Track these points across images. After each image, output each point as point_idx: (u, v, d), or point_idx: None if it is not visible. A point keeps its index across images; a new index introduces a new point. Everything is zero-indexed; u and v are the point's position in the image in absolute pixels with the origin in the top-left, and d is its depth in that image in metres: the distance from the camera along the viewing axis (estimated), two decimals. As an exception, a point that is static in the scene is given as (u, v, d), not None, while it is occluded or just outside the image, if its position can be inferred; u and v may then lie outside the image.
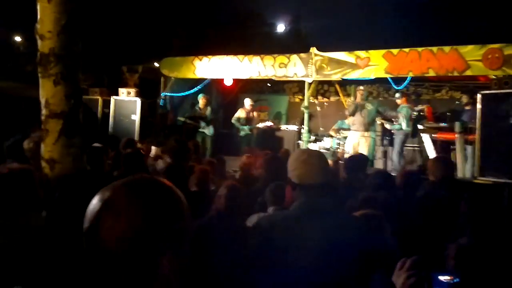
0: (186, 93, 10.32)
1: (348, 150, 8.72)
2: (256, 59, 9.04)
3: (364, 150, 8.36)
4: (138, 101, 9.31)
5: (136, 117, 9.27)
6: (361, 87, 8.93)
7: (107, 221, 0.86)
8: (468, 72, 7.29)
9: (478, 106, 6.99)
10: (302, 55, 8.68)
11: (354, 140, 8.68)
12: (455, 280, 1.40)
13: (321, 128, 9.91)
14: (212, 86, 11.09)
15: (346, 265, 1.90)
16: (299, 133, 10.10)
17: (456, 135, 7.89)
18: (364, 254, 1.95)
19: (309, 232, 1.95)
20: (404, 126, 8.45)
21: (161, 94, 10.19)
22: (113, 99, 9.44)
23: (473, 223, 2.03)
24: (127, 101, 9.39)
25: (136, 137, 9.00)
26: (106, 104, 9.50)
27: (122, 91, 9.46)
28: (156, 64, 10.23)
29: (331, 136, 9.75)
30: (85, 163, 2.72)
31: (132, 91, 9.41)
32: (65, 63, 2.62)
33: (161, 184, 0.94)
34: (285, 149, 8.17)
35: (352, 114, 8.65)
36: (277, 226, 2.05)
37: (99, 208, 0.88)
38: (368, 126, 8.59)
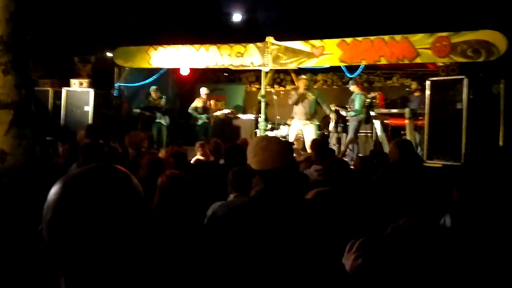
0: (141, 83, 10.16)
1: (291, 138, 8.89)
2: (212, 48, 9.00)
3: (308, 137, 8.49)
4: (91, 92, 9.08)
5: (89, 109, 9.04)
6: (304, 77, 9.07)
7: (72, 209, 0.84)
8: (418, 60, 7.53)
9: (427, 92, 7.27)
10: (259, 44, 8.72)
11: (298, 128, 8.85)
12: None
13: (277, 117, 10.03)
14: (168, 76, 10.98)
15: (304, 251, 1.91)
16: (256, 122, 10.18)
17: (406, 121, 8.17)
18: (322, 238, 1.98)
19: (270, 218, 1.94)
20: (358, 112, 8.70)
21: (115, 85, 9.98)
22: (64, 90, 9.16)
23: (412, 204, 2.12)
24: (80, 92, 9.14)
25: (90, 129, 8.81)
26: (58, 95, 9.22)
27: (74, 82, 9.19)
28: (109, 54, 9.99)
29: (288, 125, 9.88)
30: (37, 155, 2.65)
31: (85, 81, 9.16)
32: (14, 52, 2.54)
33: (121, 171, 0.94)
34: (243, 138, 8.24)
35: (295, 103, 8.80)
36: (235, 212, 2.01)
37: (64, 196, 0.86)
38: (310, 115, 8.77)
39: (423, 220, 2.05)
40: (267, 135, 8.06)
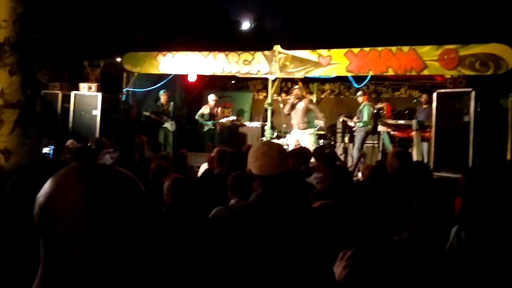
0: (149, 88, 10.23)
1: (291, 147, 8.62)
2: (220, 55, 9.05)
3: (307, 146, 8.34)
4: (100, 96, 9.15)
5: (98, 113, 9.11)
6: (296, 86, 8.97)
7: (57, 202, 0.82)
8: (425, 72, 7.52)
9: (434, 104, 7.25)
10: (266, 52, 8.75)
11: (296, 137, 8.69)
12: None
13: (284, 125, 10.01)
14: (176, 82, 11.04)
15: (303, 256, 1.91)
16: (262, 130, 10.18)
17: (413, 133, 8.14)
18: (322, 245, 1.97)
19: (267, 223, 1.95)
20: (366, 123, 8.65)
21: (124, 90, 10.05)
22: (73, 93, 9.25)
23: (420, 216, 2.11)
24: (88, 96, 9.22)
25: (97, 133, 8.87)
26: (66, 99, 9.30)
27: (83, 85, 9.28)
28: (118, 59, 10.07)
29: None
30: (41, 154, 2.68)
31: (94, 86, 9.24)
32: (21, 53, 2.58)
33: (116, 171, 0.92)
34: (248, 145, 8.21)
35: (288, 113, 8.73)
36: (234, 216, 2.03)
37: (50, 191, 0.84)
38: (307, 124, 8.61)
39: (430, 233, 2.04)
40: (268, 141, 7.99)
